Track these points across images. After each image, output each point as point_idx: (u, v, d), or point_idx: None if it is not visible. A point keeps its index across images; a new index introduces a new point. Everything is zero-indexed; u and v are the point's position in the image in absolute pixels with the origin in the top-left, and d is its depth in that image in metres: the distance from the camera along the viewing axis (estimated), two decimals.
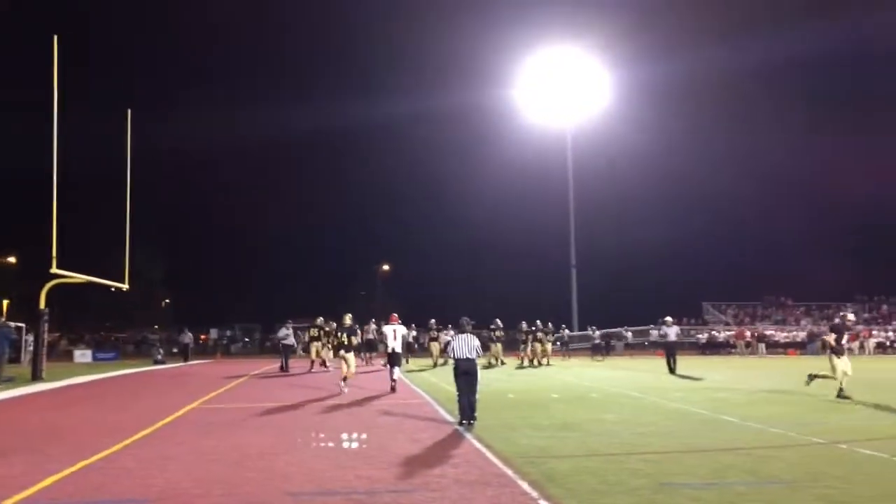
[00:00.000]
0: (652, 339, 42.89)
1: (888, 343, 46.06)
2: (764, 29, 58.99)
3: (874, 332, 47.23)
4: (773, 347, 43.79)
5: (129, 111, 24.40)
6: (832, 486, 6.40)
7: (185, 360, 32.89)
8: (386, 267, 68.31)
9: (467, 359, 10.56)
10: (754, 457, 7.91)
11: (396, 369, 16.37)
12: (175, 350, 36.40)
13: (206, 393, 15.85)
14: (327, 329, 22.74)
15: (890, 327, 50.84)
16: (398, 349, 16.75)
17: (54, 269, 18.54)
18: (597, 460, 7.72)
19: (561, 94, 52.05)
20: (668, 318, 22.39)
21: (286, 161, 70.68)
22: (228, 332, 56.27)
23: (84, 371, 25.37)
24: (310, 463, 7.54)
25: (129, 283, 24.89)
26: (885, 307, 55.95)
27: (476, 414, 10.43)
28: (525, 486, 6.44)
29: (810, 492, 6.22)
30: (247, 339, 57.40)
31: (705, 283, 58.65)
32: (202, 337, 55.64)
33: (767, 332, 46.96)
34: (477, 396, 10.64)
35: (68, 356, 37.90)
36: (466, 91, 60.46)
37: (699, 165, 61.25)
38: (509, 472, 7.04)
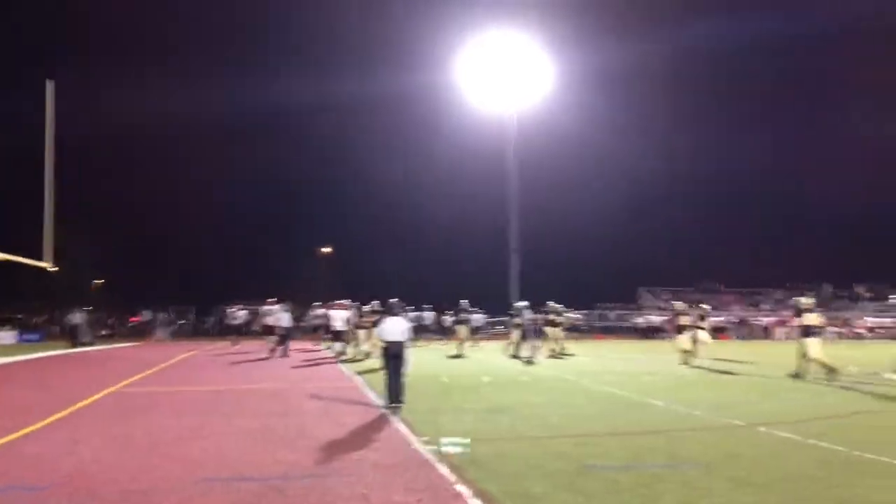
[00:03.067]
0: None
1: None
2: (710, 14, 60.11)
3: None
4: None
5: (51, 82, 23.19)
6: (747, 469, 6.50)
7: (73, 344, 29.03)
8: (328, 249, 67.58)
9: (396, 342, 10.44)
10: (674, 439, 8.02)
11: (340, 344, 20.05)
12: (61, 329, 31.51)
13: (131, 376, 15.33)
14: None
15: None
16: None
17: None
18: (521, 443, 7.70)
19: (503, 78, 52.00)
20: (524, 303, 22.33)
21: (224, 140, 68.90)
22: (161, 315, 54.73)
23: (5, 353, 24.34)
24: (227, 448, 7.30)
25: (57, 264, 23.82)
26: (808, 294, 58.12)
27: (403, 398, 10.32)
28: (444, 469, 6.35)
29: (723, 473, 6.30)
30: (181, 321, 56.01)
31: (642, 269, 59.79)
32: (132, 319, 54.19)
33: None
34: (405, 380, 10.52)
35: None
36: (407, 73, 59.80)
37: (641, 152, 62.30)
38: (430, 455, 6.95)
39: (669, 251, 62.79)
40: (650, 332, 45.49)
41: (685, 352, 18.89)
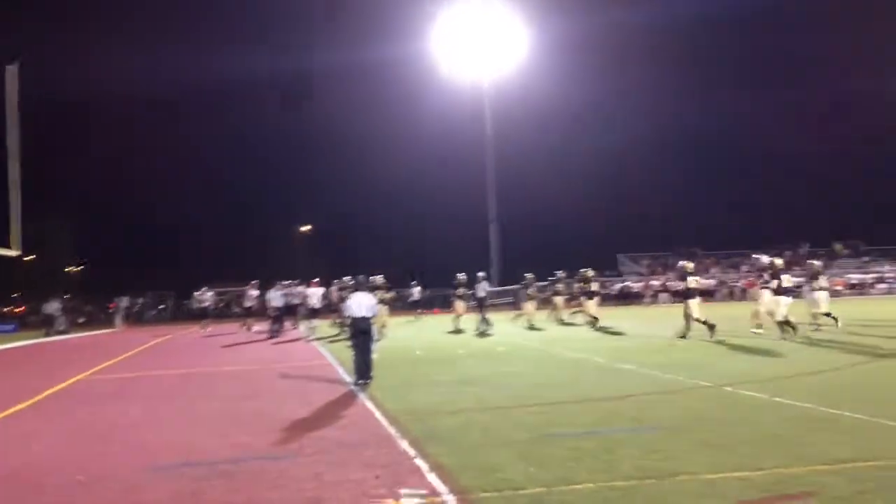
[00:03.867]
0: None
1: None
2: None
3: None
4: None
5: (12, 66, 22.54)
6: (711, 430, 6.44)
7: (47, 333, 28.31)
8: (306, 228, 67.09)
9: (363, 318, 10.34)
10: (642, 403, 7.97)
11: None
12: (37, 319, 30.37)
13: (101, 363, 15.09)
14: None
15: (794, 273, 53.37)
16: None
17: None
18: (487, 414, 7.59)
19: (478, 47, 51.48)
20: (481, 274, 21.46)
21: (197, 116, 67.85)
22: (140, 300, 54.21)
23: None
24: (184, 433, 7.14)
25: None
26: (787, 254, 58.62)
27: (372, 373, 10.22)
28: (405, 445, 6.23)
29: (689, 436, 6.23)
30: (161, 306, 55.53)
31: (621, 235, 59.93)
32: (110, 305, 53.59)
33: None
34: (374, 356, 10.42)
35: None
36: (380, 43, 58.96)
37: (615, 117, 62.14)
38: (393, 431, 6.83)
39: (647, 216, 62.99)
40: (629, 298, 45.71)
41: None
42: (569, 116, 60.38)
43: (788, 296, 15.37)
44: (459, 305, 21.30)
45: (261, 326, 23.95)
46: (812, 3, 60.19)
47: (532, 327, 21.52)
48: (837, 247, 58.49)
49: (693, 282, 16.11)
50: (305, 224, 65.58)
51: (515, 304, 41.83)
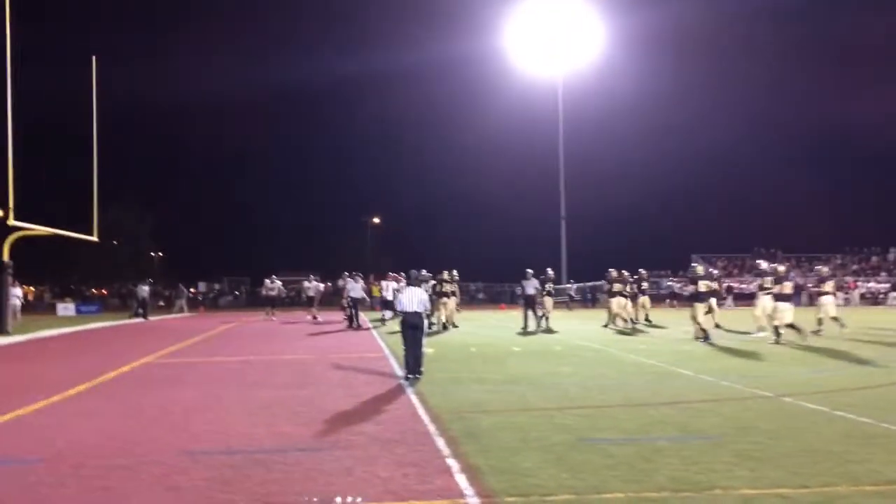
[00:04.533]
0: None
1: (875, 294, 46.13)
2: None
3: (859, 283, 47.23)
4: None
5: (94, 58, 23.71)
6: (756, 442, 6.19)
7: (144, 316, 29.19)
8: (376, 220, 67.96)
9: (414, 312, 10.40)
10: (691, 410, 7.72)
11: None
12: (136, 305, 30.47)
13: (168, 346, 15.67)
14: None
15: (880, 279, 50.90)
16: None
17: (12, 221, 18.18)
18: (528, 415, 7.51)
19: (552, 42, 50.91)
20: (529, 271, 19.99)
21: (272, 113, 69.67)
22: (217, 286, 56.14)
23: (61, 324, 25.22)
24: (230, 420, 7.33)
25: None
26: (874, 259, 55.88)
27: (422, 368, 10.31)
28: (441, 443, 6.22)
29: (731, 447, 6.00)
30: (236, 292, 57.32)
31: (696, 235, 58.45)
32: (192, 291, 55.50)
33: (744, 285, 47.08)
34: (424, 350, 10.53)
35: (52, 310, 37.86)
36: (455, 40, 59.21)
37: (693, 115, 60.55)
38: (432, 428, 6.83)
39: (724, 217, 61.15)
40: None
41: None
42: (644, 113, 59.08)
43: (789, 301, 15.41)
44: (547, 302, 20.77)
45: (323, 316, 24.47)
46: None
47: (609, 325, 20.87)
48: None
49: (703, 286, 16.25)
50: (375, 217, 66.40)
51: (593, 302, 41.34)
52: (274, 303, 26.07)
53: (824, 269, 18.07)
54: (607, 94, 55.31)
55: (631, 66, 55.68)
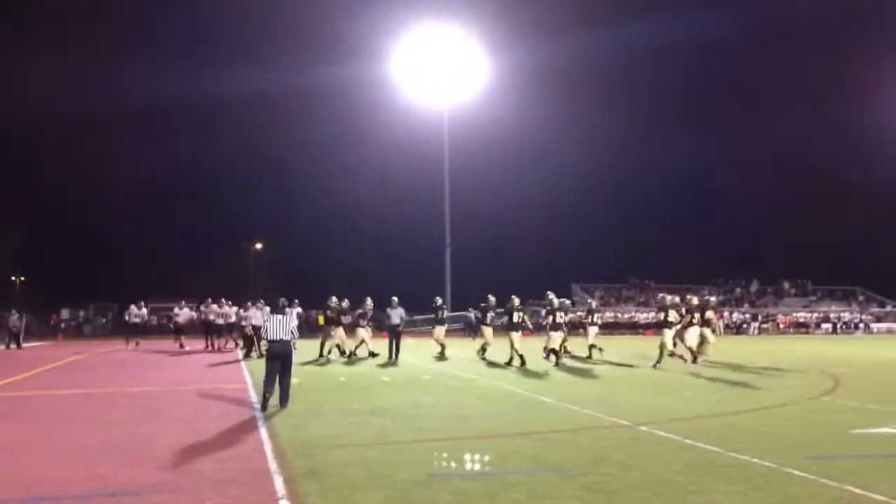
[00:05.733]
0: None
1: (738, 324, 48.93)
2: (640, 15, 60.76)
3: (723, 314, 49.94)
4: (633, 328, 45.42)
5: None
6: (605, 474, 6.08)
7: (18, 345, 26.48)
8: (258, 245, 65.97)
9: (282, 341, 10.02)
10: (548, 441, 7.58)
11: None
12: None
13: (4, 378, 14.23)
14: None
15: (742, 310, 54.03)
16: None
17: None
18: (380, 449, 7.13)
19: (439, 73, 51.53)
20: (395, 299, 19.31)
21: (151, 129, 66.61)
22: (82, 312, 52.53)
23: None
24: (46, 461, 6.53)
25: None
26: (738, 290, 59.39)
27: (288, 402, 9.95)
28: (279, 483, 5.75)
29: (580, 480, 5.87)
30: (103, 319, 53.81)
31: (575, 265, 60.19)
32: (52, 317, 51.67)
33: (625, 315, 48.82)
34: (293, 380, 10.32)
35: None
36: (343, 66, 58.65)
37: (573, 149, 62.63)
38: (273, 466, 6.34)
39: (602, 247, 63.44)
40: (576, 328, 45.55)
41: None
42: (526, 144, 60.72)
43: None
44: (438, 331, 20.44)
45: (191, 346, 23.17)
46: (764, 37, 61.73)
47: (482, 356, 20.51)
48: (786, 285, 59.47)
49: (672, 315, 16.90)
50: (257, 242, 64.47)
51: (468, 331, 41.48)
52: (137, 331, 24.40)
53: (694, 301, 18.61)
54: (492, 126, 56.33)
55: (514, 98, 57.15)
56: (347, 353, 19.20)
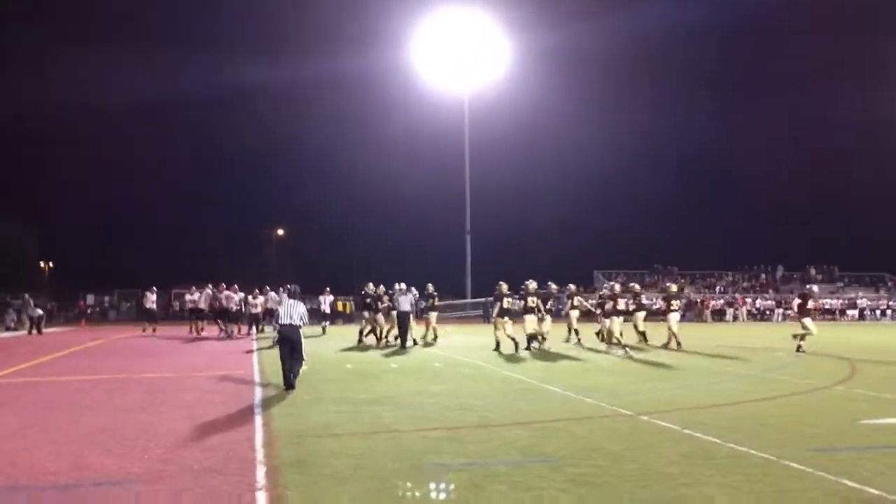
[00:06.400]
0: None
1: (762, 311, 48.24)
2: None
3: (747, 300, 49.31)
4: (653, 315, 44.91)
5: None
6: (595, 465, 5.97)
7: (38, 331, 26.55)
8: (280, 231, 66.39)
9: (291, 325, 10.44)
10: (545, 431, 7.47)
11: None
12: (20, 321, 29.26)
13: (20, 363, 14.43)
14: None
15: (767, 296, 53.26)
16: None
17: None
18: (375, 439, 7.08)
19: (459, 58, 51.16)
20: (403, 285, 19.00)
21: (178, 122, 67.16)
22: (107, 298, 53.26)
23: None
24: (38, 449, 6.57)
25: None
26: (763, 276, 58.55)
27: (295, 383, 10.36)
28: (261, 473, 5.71)
29: (569, 471, 5.76)
30: (128, 304, 54.51)
31: (598, 251, 59.75)
32: (80, 303, 52.49)
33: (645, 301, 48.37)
34: (303, 367, 10.81)
35: None
36: (362, 53, 58.49)
37: (596, 133, 62.00)
38: (260, 455, 6.31)
39: (625, 234, 62.87)
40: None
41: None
42: (549, 130, 60.15)
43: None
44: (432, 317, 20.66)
45: (208, 331, 23.35)
46: (793, 18, 60.43)
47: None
48: (812, 271, 58.49)
49: (621, 303, 17.72)
50: (279, 228, 64.90)
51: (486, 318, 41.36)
52: (154, 316, 24.65)
53: (672, 287, 19.42)
54: (513, 111, 55.90)
55: (536, 83, 56.58)
56: (385, 340, 19.20)
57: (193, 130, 66.61)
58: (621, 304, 17.25)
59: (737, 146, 62.59)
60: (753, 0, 58.12)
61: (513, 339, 16.84)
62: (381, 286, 19.60)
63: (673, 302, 18.84)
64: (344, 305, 41.92)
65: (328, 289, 27.64)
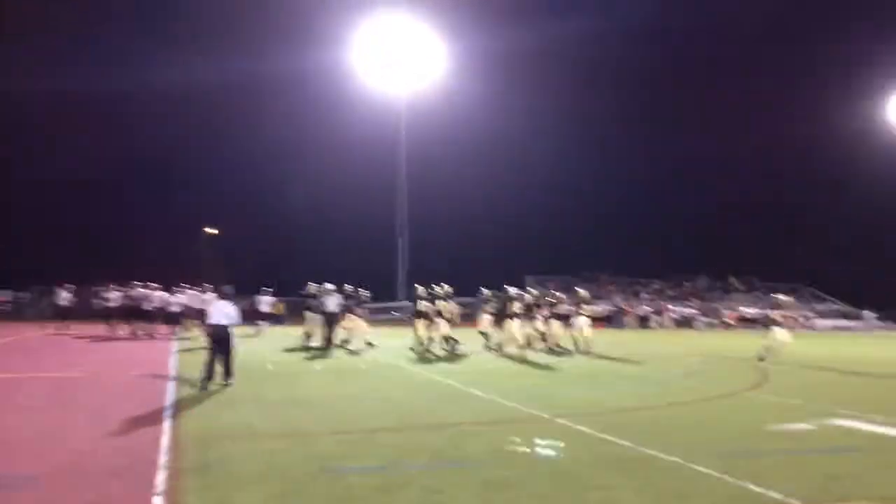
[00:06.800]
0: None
1: (687, 318, 49.67)
2: (604, 2, 60.84)
3: (671, 308, 50.72)
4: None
5: None
6: (508, 469, 5.96)
7: None
8: (213, 231, 64.80)
9: (220, 325, 10.69)
10: (460, 434, 7.44)
11: None
12: None
13: None
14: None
15: (689, 304, 54.85)
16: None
17: None
18: (286, 441, 6.92)
19: (397, 61, 51.07)
20: (328, 285, 18.70)
21: (101, 115, 64.68)
22: (21, 295, 50.90)
23: None
24: None
25: None
26: (686, 284, 60.32)
27: (232, 379, 10.77)
28: (161, 477, 5.48)
29: (481, 475, 5.72)
30: (46, 302, 52.25)
31: (530, 256, 60.37)
32: None
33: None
34: (232, 363, 10.91)
35: None
36: (300, 51, 57.43)
37: (531, 140, 62.64)
38: (163, 459, 6.06)
39: (555, 240, 63.74)
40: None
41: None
42: (483, 134, 60.48)
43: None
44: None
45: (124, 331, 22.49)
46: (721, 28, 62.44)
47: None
48: (732, 280, 60.57)
49: (517, 306, 18.26)
50: (211, 227, 63.31)
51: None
52: (64, 314, 23.59)
53: (581, 293, 20.05)
54: (449, 114, 56.08)
55: (472, 87, 56.86)
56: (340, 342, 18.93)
57: (122, 127, 64.26)
58: (517, 308, 18.15)
59: (667, 155, 64.18)
60: (700, 6, 59.53)
61: (429, 338, 17.66)
62: (326, 285, 19.21)
63: (583, 307, 19.50)
64: (276, 306, 41.36)
65: (268, 288, 26.61)
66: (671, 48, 62.05)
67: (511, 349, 17.89)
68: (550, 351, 18.56)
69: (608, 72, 63.03)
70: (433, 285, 18.28)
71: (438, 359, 16.18)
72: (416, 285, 17.97)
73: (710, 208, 62.93)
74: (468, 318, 22.92)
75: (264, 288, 26.40)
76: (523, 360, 16.11)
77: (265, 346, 18.86)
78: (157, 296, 21.90)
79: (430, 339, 17.77)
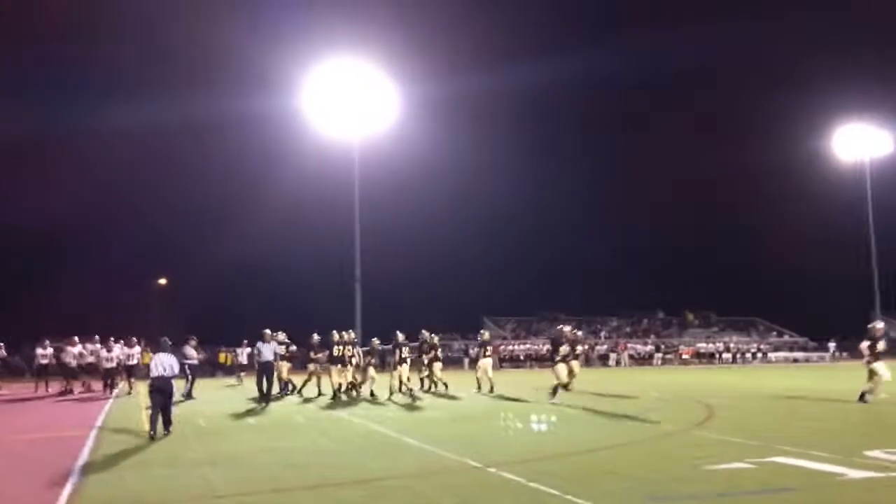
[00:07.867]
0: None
1: (643, 355, 49.80)
2: (549, 51, 61.99)
3: (629, 345, 50.87)
4: (542, 361, 45.47)
5: None
6: None
7: None
8: (162, 281, 63.39)
9: (161, 377, 10.99)
10: (381, 489, 7.01)
11: None
12: None
13: None
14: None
15: (648, 340, 55.07)
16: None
17: None
18: None
19: (349, 107, 51.10)
20: (267, 332, 17.83)
21: (49, 161, 63.32)
22: None
23: None
24: None
25: None
26: (644, 322, 60.65)
27: (171, 427, 11.13)
28: None
29: None
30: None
31: (487, 297, 60.16)
32: None
33: (533, 347, 49.27)
34: (173, 410, 11.43)
35: None
36: (249, 98, 57.13)
37: (484, 182, 62.96)
38: None
39: (512, 280, 63.76)
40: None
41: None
42: (436, 179, 60.68)
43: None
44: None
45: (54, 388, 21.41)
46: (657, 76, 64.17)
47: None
48: (689, 316, 61.10)
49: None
50: (161, 278, 61.95)
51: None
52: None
53: (486, 335, 20.81)
54: (401, 160, 56.23)
55: (424, 132, 57.19)
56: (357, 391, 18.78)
57: (63, 176, 62.82)
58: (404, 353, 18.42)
59: (616, 194, 65.15)
60: (633, 58, 61.30)
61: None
62: (315, 335, 19.25)
63: (487, 348, 20.21)
64: (226, 358, 40.49)
65: (193, 337, 25.08)
66: (616, 93, 63.53)
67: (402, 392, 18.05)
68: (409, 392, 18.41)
69: (558, 116, 64.23)
70: (342, 332, 18.19)
71: (383, 407, 15.68)
72: (333, 332, 17.87)
73: (665, 243, 63.70)
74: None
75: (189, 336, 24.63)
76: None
77: (211, 399, 18.15)
78: (89, 350, 21.00)
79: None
